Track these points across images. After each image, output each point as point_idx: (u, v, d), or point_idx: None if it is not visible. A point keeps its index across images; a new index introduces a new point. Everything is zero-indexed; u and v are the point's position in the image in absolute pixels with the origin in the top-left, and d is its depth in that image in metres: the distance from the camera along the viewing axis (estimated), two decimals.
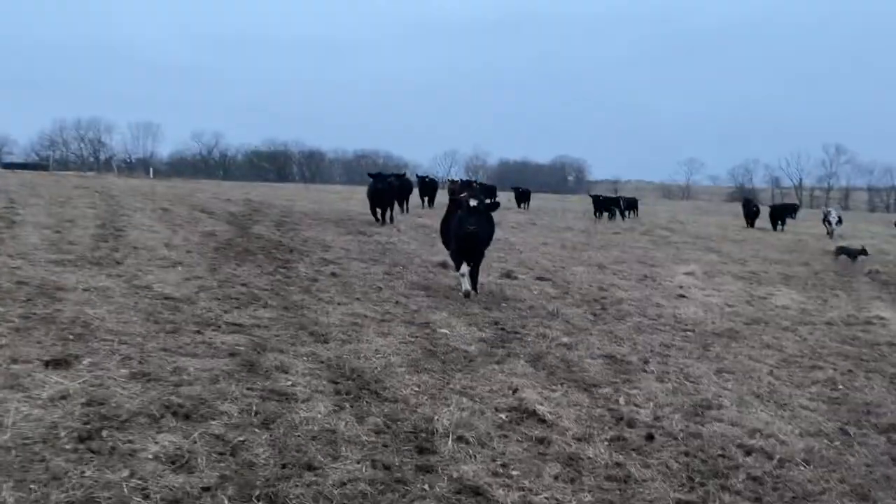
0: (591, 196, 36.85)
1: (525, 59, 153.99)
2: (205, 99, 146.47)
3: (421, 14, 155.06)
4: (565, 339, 8.03)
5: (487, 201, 10.43)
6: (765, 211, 33.74)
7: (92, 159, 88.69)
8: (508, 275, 12.09)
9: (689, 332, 9.24)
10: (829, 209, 32.52)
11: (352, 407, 5.26)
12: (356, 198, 27.00)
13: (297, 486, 4.01)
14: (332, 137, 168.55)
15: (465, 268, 9.88)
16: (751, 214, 32.77)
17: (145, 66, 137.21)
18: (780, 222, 31.51)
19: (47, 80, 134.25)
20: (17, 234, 10.79)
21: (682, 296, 12.02)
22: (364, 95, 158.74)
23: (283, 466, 4.21)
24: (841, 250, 19.47)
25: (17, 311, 6.49)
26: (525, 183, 41.08)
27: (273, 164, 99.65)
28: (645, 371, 7.20)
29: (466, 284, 9.92)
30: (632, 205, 36.64)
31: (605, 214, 32.43)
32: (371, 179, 19.26)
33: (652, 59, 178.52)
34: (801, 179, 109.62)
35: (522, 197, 37.47)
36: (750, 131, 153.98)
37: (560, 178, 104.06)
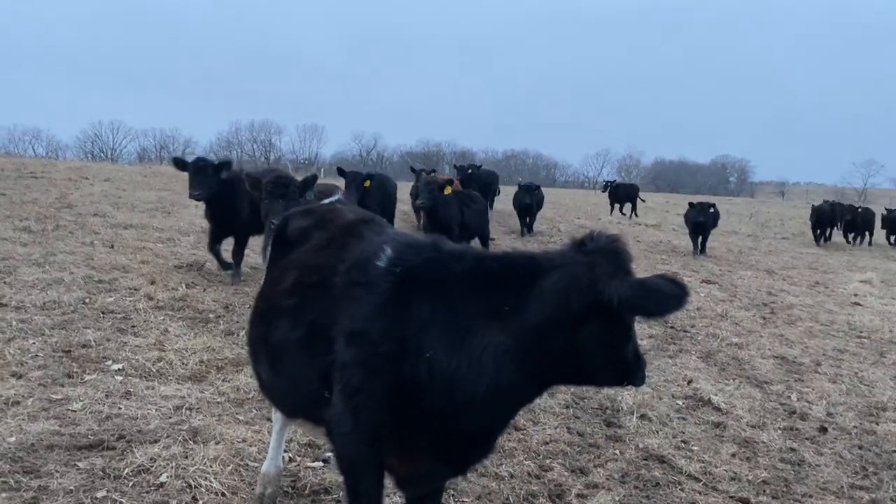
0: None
1: (682, 54, 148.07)
2: (365, 101, 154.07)
3: (571, 9, 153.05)
4: (735, 340, 8.38)
5: None
6: None
7: (263, 159, 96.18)
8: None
9: (864, 339, 9.21)
10: None
11: None
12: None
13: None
14: (484, 138, 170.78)
15: None
16: None
17: (310, 70, 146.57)
18: None
19: (224, 86, 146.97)
20: None
21: (857, 303, 11.80)
22: (515, 94, 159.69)
23: None
24: None
25: None
26: (682, 185, 36.38)
27: (426, 164, 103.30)
28: (817, 372, 7.44)
29: None
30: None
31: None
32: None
33: (823, 54, 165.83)
34: None
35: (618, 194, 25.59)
36: None
37: (720, 179, 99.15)
